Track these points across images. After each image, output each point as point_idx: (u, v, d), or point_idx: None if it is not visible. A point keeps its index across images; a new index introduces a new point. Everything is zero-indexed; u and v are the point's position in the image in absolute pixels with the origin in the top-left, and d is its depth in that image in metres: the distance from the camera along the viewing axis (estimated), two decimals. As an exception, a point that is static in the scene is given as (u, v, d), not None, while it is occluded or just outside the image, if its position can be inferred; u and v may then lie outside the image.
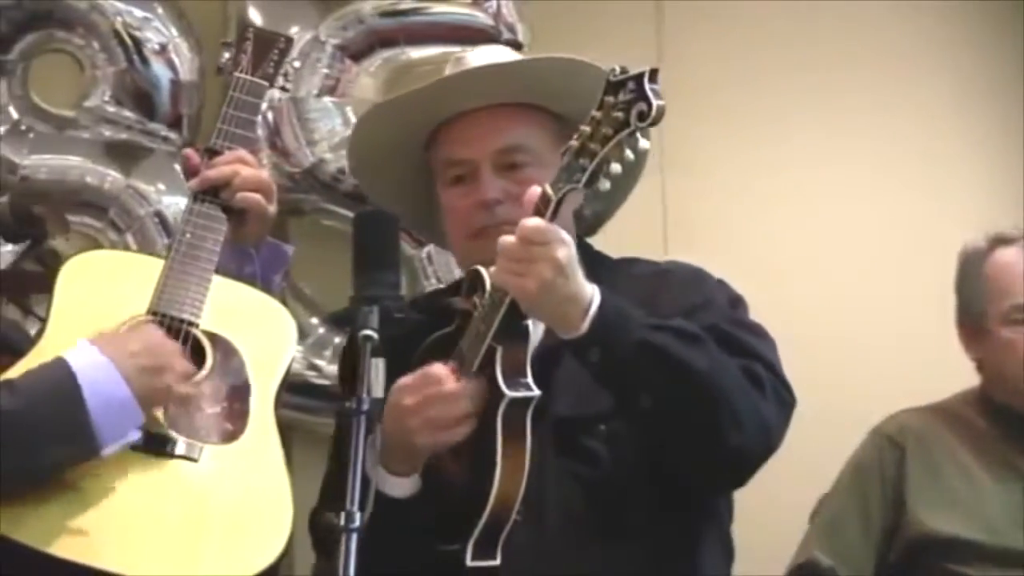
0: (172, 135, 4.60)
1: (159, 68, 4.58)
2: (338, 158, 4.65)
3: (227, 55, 2.77)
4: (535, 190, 2.37)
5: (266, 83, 2.73)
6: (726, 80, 5.22)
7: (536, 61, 2.69)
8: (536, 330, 2.50)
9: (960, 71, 5.44)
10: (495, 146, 2.64)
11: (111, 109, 4.57)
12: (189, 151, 2.71)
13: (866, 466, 3.60)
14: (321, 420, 4.32)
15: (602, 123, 2.26)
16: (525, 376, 2.43)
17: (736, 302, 2.68)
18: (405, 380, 2.47)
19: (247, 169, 2.64)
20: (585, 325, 2.37)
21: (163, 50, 4.58)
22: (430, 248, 4.64)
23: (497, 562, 2.41)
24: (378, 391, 2.23)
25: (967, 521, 3.46)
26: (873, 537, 3.52)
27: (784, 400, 2.55)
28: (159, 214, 4.55)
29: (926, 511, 3.48)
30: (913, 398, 5.12)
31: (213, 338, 2.49)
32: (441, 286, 2.99)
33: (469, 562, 2.40)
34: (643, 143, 2.27)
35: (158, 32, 4.60)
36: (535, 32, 4.79)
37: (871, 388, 5.15)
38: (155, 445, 2.34)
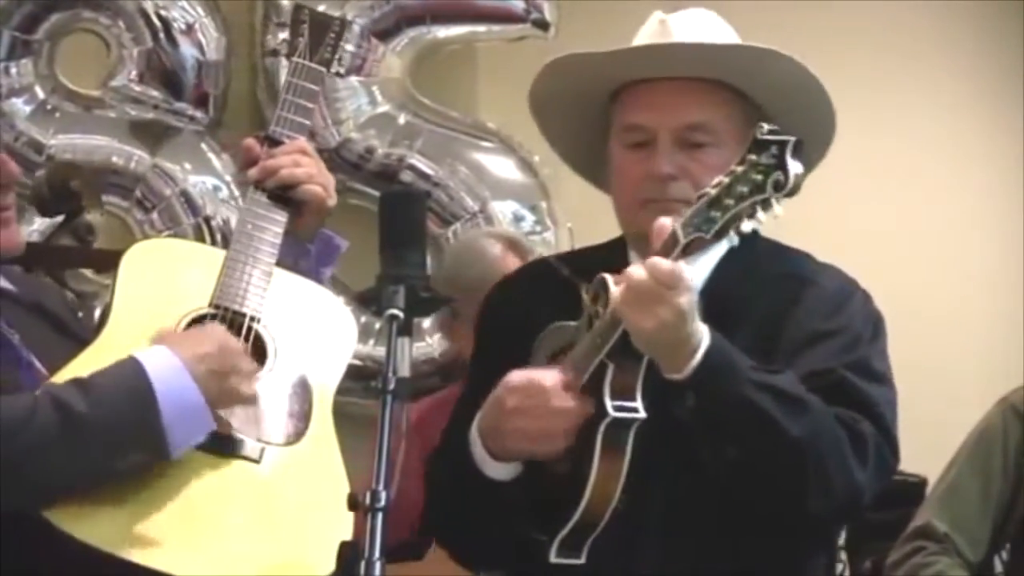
0: (198, 114, 4.61)
1: (186, 48, 4.58)
2: (365, 137, 4.66)
3: (282, 36, 2.71)
4: (664, 223, 2.33)
5: (324, 69, 2.66)
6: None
7: (743, 48, 2.62)
8: None
9: (981, 61, 5.45)
10: (681, 121, 2.57)
11: (137, 88, 4.58)
12: (250, 140, 2.65)
13: (989, 435, 3.52)
14: (349, 400, 4.31)
15: (740, 179, 2.22)
16: (633, 398, 2.37)
17: (876, 330, 2.61)
18: (514, 379, 2.42)
19: (308, 160, 2.60)
20: (688, 371, 2.32)
21: (190, 30, 4.59)
22: (456, 227, 4.64)
23: (582, 561, 2.39)
24: (404, 370, 2.22)
25: None
26: (991, 507, 3.47)
27: (885, 464, 2.47)
28: (185, 193, 4.56)
29: None
30: (942, 386, 5.13)
31: (273, 335, 2.46)
32: (591, 245, 2.88)
33: (553, 558, 2.39)
34: (777, 209, 2.21)
35: (185, 12, 4.60)
36: (563, 29, 4.78)
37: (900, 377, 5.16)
38: (219, 445, 2.30)
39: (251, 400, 2.34)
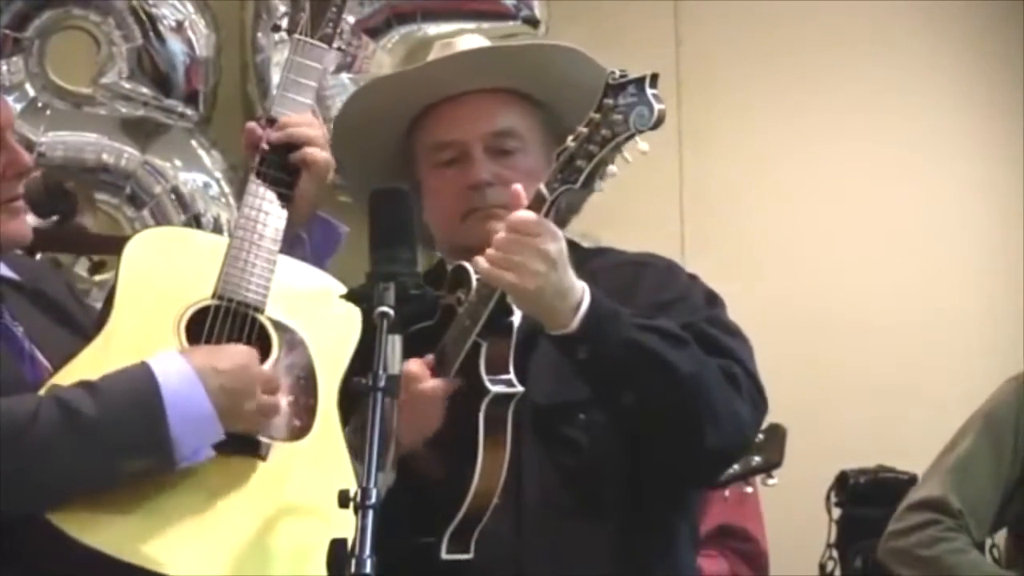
0: (188, 111, 4.60)
1: (175, 45, 4.58)
2: (355, 135, 4.65)
3: (282, 9, 2.67)
4: (518, 189, 2.37)
5: (325, 46, 2.59)
6: (742, 63, 5.23)
7: (528, 47, 2.69)
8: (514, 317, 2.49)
9: (971, 59, 5.46)
10: (487, 129, 2.63)
11: (127, 86, 4.58)
12: (252, 124, 2.61)
13: (1002, 415, 3.49)
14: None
15: (601, 125, 2.26)
16: (508, 372, 2.42)
17: (712, 299, 2.66)
18: None
19: (313, 131, 2.56)
20: (575, 323, 2.36)
21: (179, 27, 4.59)
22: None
23: (471, 555, 2.41)
24: (395, 368, 2.22)
25: None
26: (1000, 486, 3.45)
27: (757, 403, 2.55)
28: (176, 190, 4.56)
29: None
30: (935, 385, 5.13)
31: (278, 326, 2.41)
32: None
33: (444, 555, 2.40)
34: (642, 146, 2.27)
35: (174, 9, 4.60)
36: (555, 28, 4.78)
37: (878, 360, 5.17)
38: (225, 443, 2.26)
39: (258, 429, 2.30)
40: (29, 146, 4.43)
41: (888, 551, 3.50)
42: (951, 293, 5.35)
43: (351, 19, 4.66)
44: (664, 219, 4.95)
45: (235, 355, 2.30)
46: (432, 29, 4.78)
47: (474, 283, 2.41)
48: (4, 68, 4.54)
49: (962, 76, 5.44)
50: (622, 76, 2.26)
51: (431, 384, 2.43)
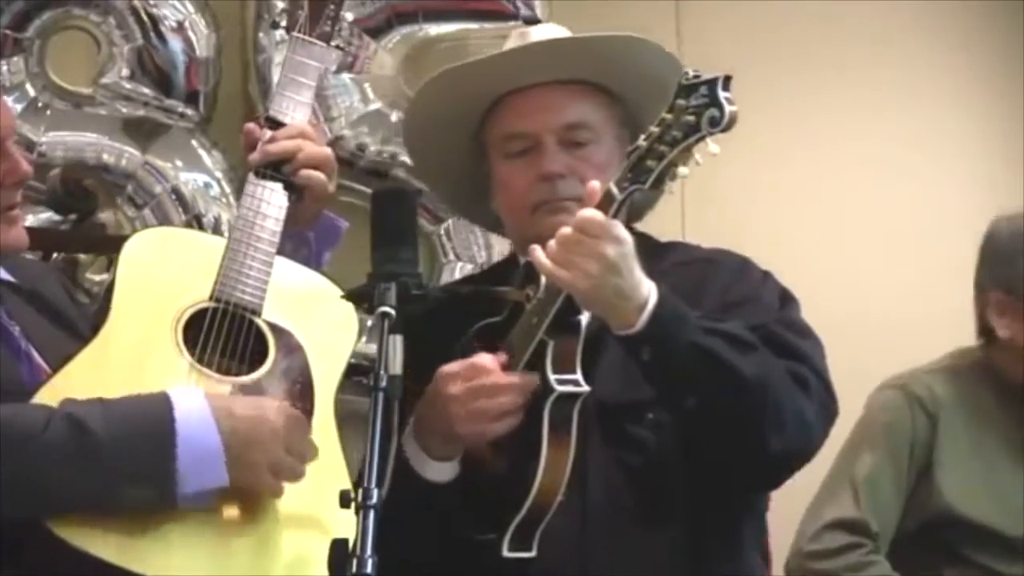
0: (189, 111, 4.60)
1: (176, 44, 4.57)
2: (357, 135, 4.65)
3: (281, 5, 2.67)
4: (595, 186, 2.35)
5: (323, 43, 2.61)
6: (744, 62, 5.17)
7: (601, 38, 2.66)
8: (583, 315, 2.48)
9: (970, 58, 5.46)
10: (560, 121, 2.62)
11: (128, 86, 4.57)
12: (250, 125, 2.59)
13: (899, 429, 3.47)
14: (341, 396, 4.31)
15: (672, 126, 2.25)
16: (575, 371, 2.41)
17: (785, 298, 2.64)
18: (451, 367, 2.44)
19: (310, 145, 2.55)
20: (640, 323, 2.35)
21: (180, 27, 4.58)
22: (448, 224, 4.63)
23: (533, 553, 2.40)
24: (395, 368, 2.21)
25: (992, 508, 3.41)
26: (901, 502, 3.45)
27: (827, 407, 2.53)
28: (176, 190, 4.55)
29: (952, 489, 3.42)
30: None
31: (275, 329, 2.43)
32: (494, 263, 2.91)
33: (506, 553, 2.39)
34: (713, 148, 2.26)
35: (175, 9, 4.60)
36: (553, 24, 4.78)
37: (883, 361, 5.16)
38: None
39: (269, 488, 2.28)
40: (29, 146, 4.43)
41: (811, 573, 3.46)
42: (951, 293, 5.33)
43: (350, 16, 4.66)
44: (664, 219, 4.94)
45: (258, 406, 2.28)
46: (433, 29, 4.78)
47: (543, 280, 2.40)
48: (4, 68, 4.53)
49: (962, 75, 5.43)
50: (695, 76, 2.26)
51: (505, 378, 2.41)
